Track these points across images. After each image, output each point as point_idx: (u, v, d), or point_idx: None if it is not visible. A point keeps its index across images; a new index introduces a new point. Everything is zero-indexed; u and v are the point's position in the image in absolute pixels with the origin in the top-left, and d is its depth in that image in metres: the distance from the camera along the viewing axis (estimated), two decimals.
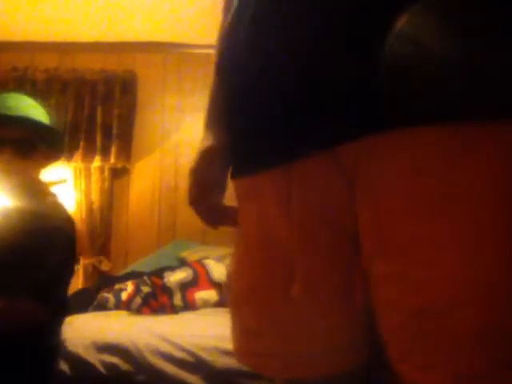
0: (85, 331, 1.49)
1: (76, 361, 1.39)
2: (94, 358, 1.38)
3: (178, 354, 1.37)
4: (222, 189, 0.77)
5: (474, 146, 0.46)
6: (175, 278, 2.15)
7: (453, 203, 0.46)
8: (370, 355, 0.61)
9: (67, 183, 3.14)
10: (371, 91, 0.49)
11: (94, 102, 3.13)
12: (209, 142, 0.75)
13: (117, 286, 2.25)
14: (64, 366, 1.38)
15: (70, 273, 1.27)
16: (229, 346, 0.68)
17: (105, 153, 3.07)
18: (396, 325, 0.51)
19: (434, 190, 0.47)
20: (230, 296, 0.68)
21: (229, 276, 0.69)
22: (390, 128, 0.48)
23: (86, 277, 3.01)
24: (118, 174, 3.19)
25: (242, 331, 0.65)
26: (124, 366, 1.36)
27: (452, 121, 0.46)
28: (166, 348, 1.39)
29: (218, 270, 2.25)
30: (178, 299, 2.08)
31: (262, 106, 0.57)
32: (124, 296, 2.11)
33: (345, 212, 0.56)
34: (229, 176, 0.71)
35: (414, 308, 0.49)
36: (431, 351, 0.48)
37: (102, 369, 1.36)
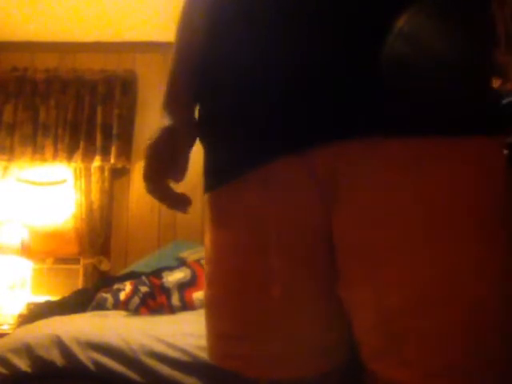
0: (80, 330, 1.49)
1: (68, 355, 1.39)
2: (86, 356, 1.37)
3: (174, 355, 1.36)
4: (179, 170, 0.72)
5: (456, 155, 0.48)
6: (173, 277, 2.15)
7: (426, 211, 0.48)
8: (350, 356, 0.62)
9: (67, 183, 3.15)
10: (366, 93, 0.48)
11: (93, 101, 3.13)
12: (169, 122, 0.71)
13: (115, 286, 2.25)
14: (57, 357, 1.38)
15: None
16: None
17: (105, 153, 3.07)
18: (370, 325, 0.52)
19: (409, 198, 0.49)
20: (204, 301, 0.68)
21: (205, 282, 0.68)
22: (382, 134, 0.48)
23: (86, 277, 3.01)
24: (118, 174, 3.19)
25: (219, 335, 0.65)
26: (117, 366, 1.36)
27: (449, 134, 0.47)
28: (161, 348, 1.38)
29: None
30: (176, 299, 2.08)
31: (246, 107, 0.57)
32: (122, 296, 2.11)
33: (317, 215, 0.56)
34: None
35: (387, 308, 0.49)
36: (404, 349, 0.49)
37: (92, 367, 1.36)
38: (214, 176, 0.65)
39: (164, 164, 0.70)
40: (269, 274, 0.59)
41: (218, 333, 0.65)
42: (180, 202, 0.72)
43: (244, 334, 0.62)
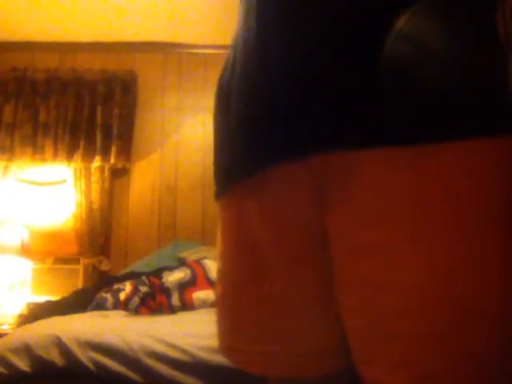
0: (80, 330, 1.49)
1: (68, 356, 1.39)
2: (86, 356, 1.38)
3: (174, 355, 1.36)
4: None
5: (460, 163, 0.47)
6: (173, 277, 2.15)
7: (421, 211, 0.47)
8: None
9: (67, 183, 3.15)
10: (367, 100, 0.48)
11: (93, 101, 3.13)
12: None
13: (115, 286, 2.25)
14: (57, 358, 1.39)
15: None
16: None
17: (105, 153, 3.07)
18: (361, 327, 0.52)
19: (402, 201, 0.48)
20: (215, 297, 0.70)
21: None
22: (382, 145, 0.48)
23: (86, 277, 3.01)
24: (118, 174, 3.19)
25: (225, 329, 0.67)
26: (117, 366, 1.36)
27: (449, 141, 0.46)
28: (161, 348, 1.38)
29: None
30: (175, 299, 2.08)
31: (250, 113, 0.57)
32: (122, 296, 2.11)
33: (313, 217, 0.56)
34: None
35: (378, 311, 0.49)
36: (395, 353, 0.48)
37: (92, 367, 1.36)
38: (220, 178, 0.67)
39: None
40: (268, 274, 0.60)
41: (223, 326, 0.67)
42: None
43: (245, 331, 0.63)
